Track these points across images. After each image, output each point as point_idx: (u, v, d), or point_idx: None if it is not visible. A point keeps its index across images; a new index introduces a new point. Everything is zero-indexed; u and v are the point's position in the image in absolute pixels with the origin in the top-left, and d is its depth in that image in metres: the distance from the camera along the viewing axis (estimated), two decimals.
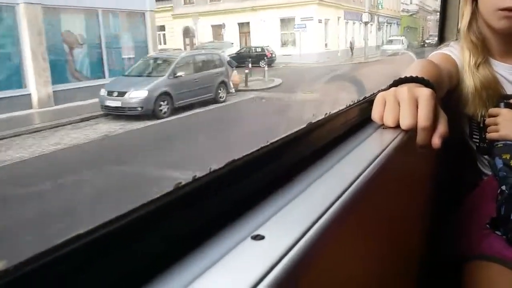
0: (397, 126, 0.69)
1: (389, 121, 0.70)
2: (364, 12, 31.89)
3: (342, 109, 0.73)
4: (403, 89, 0.70)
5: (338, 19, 33.53)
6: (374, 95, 0.78)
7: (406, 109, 0.68)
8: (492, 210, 1.10)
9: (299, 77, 19.69)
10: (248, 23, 31.90)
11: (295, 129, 0.53)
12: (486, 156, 1.27)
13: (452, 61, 1.25)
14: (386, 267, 0.81)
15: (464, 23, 1.25)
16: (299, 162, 0.52)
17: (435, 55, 1.30)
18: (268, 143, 0.46)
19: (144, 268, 0.32)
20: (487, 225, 1.12)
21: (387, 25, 43.85)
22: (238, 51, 27.69)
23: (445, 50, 1.31)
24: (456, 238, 1.23)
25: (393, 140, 0.67)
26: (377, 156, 0.60)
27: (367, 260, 0.66)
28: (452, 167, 1.43)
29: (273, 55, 26.88)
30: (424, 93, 0.69)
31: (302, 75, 21.10)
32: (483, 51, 1.24)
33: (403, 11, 46.69)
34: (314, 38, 29.41)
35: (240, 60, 24.63)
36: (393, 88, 0.73)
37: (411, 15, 48.75)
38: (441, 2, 1.78)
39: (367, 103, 0.80)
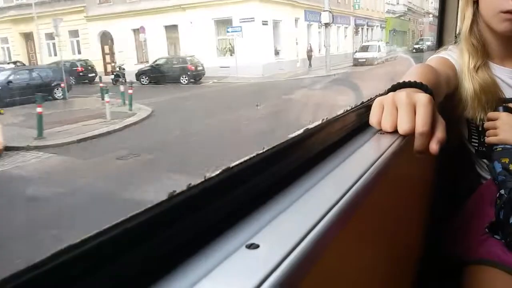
0: (395, 131, 0.69)
1: (387, 126, 0.70)
2: (323, 11, 23.54)
3: (339, 114, 0.73)
4: (401, 94, 0.70)
5: (296, 21, 26.78)
6: (372, 100, 0.78)
7: (404, 114, 0.68)
8: (491, 214, 1.10)
9: (202, 105, 13.55)
10: (176, 26, 24.46)
11: (292, 135, 0.53)
12: (485, 160, 1.27)
13: (451, 65, 1.25)
14: (385, 273, 0.81)
15: (466, 26, 1.25)
16: (295, 169, 0.52)
17: (434, 59, 1.30)
18: (264, 150, 0.46)
19: (138, 277, 0.31)
20: (486, 229, 1.11)
21: (367, 28, 38.70)
22: (154, 63, 21.74)
23: (443, 54, 1.31)
24: (455, 242, 1.22)
25: (391, 145, 0.66)
26: (375, 161, 0.60)
27: (365, 267, 0.66)
28: (451, 171, 1.43)
29: (199, 68, 20.90)
30: (422, 99, 0.68)
31: (212, 100, 15.03)
32: (483, 54, 1.24)
33: (388, 12, 41.73)
34: (258, 44, 22.54)
35: (156, 75, 20.13)
36: (391, 93, 0.73)
37: (398, 16, 43.91)
38: (439, 5, 1.78)
39: (365, 108, 0.80)
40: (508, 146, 1.14)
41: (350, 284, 0.57)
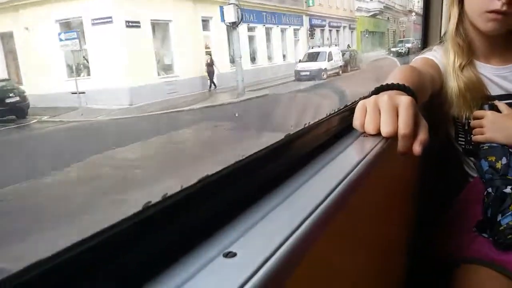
0: (378, 134, 0.69)
1: (370, 128, 0.70)
2: (228, 3, 16.99)
3: (323, 118, 0.73)
4: (384, 97, 0.71)
5: (207, 22, 19.16)
6: (355, 103, 0.78)
7: (387, 117, 0.68)
8: (479, 212, 1.10)
9: None
10: (11, 33, 15.76)
11: (272, 142, 0.53)
12: (472, 158, 1.28)
13: (435, 65, 1.25)
14: (373, 274, 0.81)
15: (452, 26, 1.26)
16: (277, 175, 0.52)
17: (418, 60, 1.30)
18: (243, 157, 0.46)
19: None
20: (474, 228, 1.12)
21: (329, 30, 31.37)
22: None
23: (427, 54, 1.32)
24: (444, 242, 1.23)
25: (374, 147, 0.67)
26: (358, 164, 0.60)
27: (352, 270, 0.66)
28: (438, 169, 1.43)
29: (11, 101, 12.19)
30: (404, 101, 0.69)
31: None
32: (468, 53, 1.25)
33: (359, 10, 35.55)
34: (119, 56, 14.66)
35: None
36: (374, 96, 0.73)
37: (373, 15, 37.76)
38: (423, 6, 1.79)
39: (348, 111, 0.80)
40: (495, 144, 1.15)
41: (335, 287, 0.57)
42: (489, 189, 1.09)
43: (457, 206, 1.28)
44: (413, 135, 0.67)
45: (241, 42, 19.09)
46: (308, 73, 20.06)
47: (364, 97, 0.79)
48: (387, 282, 0.96)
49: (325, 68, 20.70)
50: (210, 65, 18.31)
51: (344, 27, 34.06)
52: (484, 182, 1.13)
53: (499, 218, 1.04)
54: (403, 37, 40.09)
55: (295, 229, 0.40)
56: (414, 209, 1.31)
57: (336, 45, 26.10)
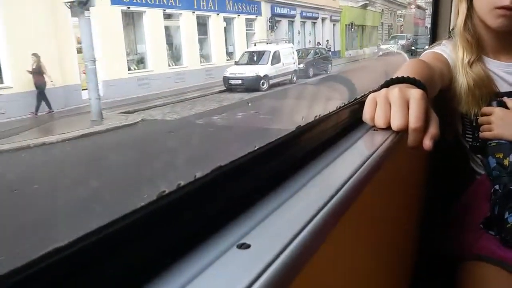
0: (388, 127, 0.68)
1: (380, 122, 0.69)
2: None
3: (333, 111, 0.73)
4: (394, 90, 0.70)
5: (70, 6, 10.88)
6: (365, 96, 0.77)
7: (397, 110, 0.68)
8: (486, 209, 1.10)
9: None
10: None
11: (284, 134, 0.53)
12: (479, 155, 1.27)
13: (444, 60, 1.24)
14: (380, 269, 0.81)
15: (460, 22, 1.25)
16: (288, 167, 0.51)
17: (427, 54, 1.29)
18: (256, 148, 0.46)
19: (130, 277, 0.31)
20: (481, 225, 1.11)
21: (302, 22, 25.25)
22: None
23: (437, 49, 1.30)
24: (450, 238, 1.22)
25: (384, 141, 0.66)
26: (368, 158, 0.59)
27: (360, 264, 0.66)
28: (445, 166, 1.43)
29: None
30: (415, 94, 0.68)
31: None
32: (477, 49, 1.24)
33: None
34: None
35: None
36: (384, 89, 0.73)
37: (363, 6, 31.88)
38: (433, 1, 1.78)
39: (358, 104, 0.79)
40: (503, 141, 1.14)
41: (344, 282, 0.57)
42: (497, 186, 1.09)
43: (464, 203, 1.27)
44: (424, 129, 0.67)
45: (150, 33, 14.54)
46: (239, 81, 14.86)
47: (374, 91, 0.78)
48: (394, 276, 0.96)
49: (266, 75, 15.07)
50: (36, 72, 11.45)
51: (324, 19, 28.06)
52: (491, 179, 1.12)
53: (506, 215, 1.04)
54: (401, 33, 35.61)
55: (308, 222, 0.40)
56: (421, 205, 1.31)
57: (287, 41, 19.54)
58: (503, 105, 1.19)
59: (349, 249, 0.58)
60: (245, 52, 17.38)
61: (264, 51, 16.37)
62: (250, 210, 0.41)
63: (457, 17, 1.27)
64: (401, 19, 39.22)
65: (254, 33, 21.43)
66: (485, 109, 1.20)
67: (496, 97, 1.22)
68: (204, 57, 18.98)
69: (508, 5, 1.08)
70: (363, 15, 32.91)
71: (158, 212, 0.34)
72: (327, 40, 28.04)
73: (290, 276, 0.35)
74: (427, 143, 0.67)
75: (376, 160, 0.60)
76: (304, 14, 25.77)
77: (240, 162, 0.43)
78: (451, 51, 1.28)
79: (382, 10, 35.78)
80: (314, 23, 27.70)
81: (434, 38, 1.76)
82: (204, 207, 0.38)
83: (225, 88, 15.17)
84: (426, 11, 41.02)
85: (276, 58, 15.97)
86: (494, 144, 1.15)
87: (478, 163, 1.28)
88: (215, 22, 19.13)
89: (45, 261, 0.27)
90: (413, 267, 1.19)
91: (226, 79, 15.28)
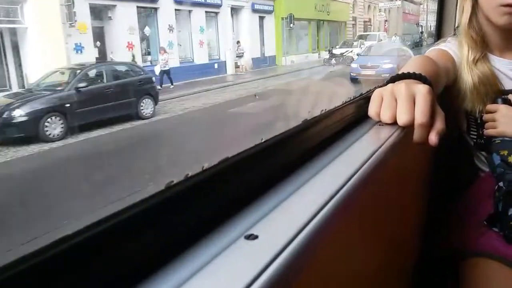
0: (394, 123, 0.68)
1: (386, 117, 0.69)
2: None
3: (338, 106, 0.73)
4: (400, 85, 0.70)
5: None
6: (371, 92, 0.77)
7: (403, 105, 0.68)
8: (489, 206, 1.10)
9: None
10: None
11: (291, 127, 0.53)
12: (483, 152, 1.27)
13: (450, 57, 1.24)
14: (383, 264, 0.81)
15: (465, 19, 1.24)
16: (294, 160, 0.51)
17: (433, 51, 1.29)
18: (263, 141, 0.46)
19: (136, 268, 0.31)
20: (485, 222, 1.11)
21: (177, 11, 16.05)
22: None
23: (442, 46, 1.30)
24: (453, 235, 1.22)
25: (390, 136, 0.66)
26: (374, 153, 0.59)
27: (364, 258, 0.66)
28: (449, 163, 1.43)
29: None
30: (421, 90, 0.68)
31: None
32: (482, 47, 1.23)
33: None
34: None
35: None
36: (390, 85, 0.73)
37: None
38: None
39: (364, 99, 0.79)
40: (507, 139, 1.13)
41: (350, 274, 0.57)
42: (501, 183, 1.08)
43: (468, 200, 1.27)
44: (430, 124, 0.67)
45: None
46: None
47: (380, 86, 0.78)
48: (396, 273, 0.96)
49: None
50: None
51: (237, 8, 18.73)
52: (495, 176, 1.12)
53: (510, 212, 1.04)
54: (384, 31, 27.85)
55: (314, 214, 0.40)
56: (425, 201, 1.31)
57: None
58: (508, 102, 1.19)
59: (353, 242, 0.58)
60: None
61: None
62: (257, 202, 0.41)
63: (462, 15, 1.27)
64: (382, 13, 31.10)
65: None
66: (490, 106, 1.20)
67: (501, 94, 1.21)
68: None
69: None
70: (320, 5, 23.67)
71: (167, 202, 0.34)
72: (238, 42, 18.80)
73: (297, 267, 0.35)
74: (433, 138, 0.67)
75: (382, 155, 0.60)
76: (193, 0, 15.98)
77: (247, 154, 0.43)
78: (456, 48, 1.27)
79: (354, 0, 27.67)
80: (217, 13, 17.89)
81: (439, 35, 1.76)
82: (212, 198, 0.38)
83: None
84: (421, 6, 36.72)
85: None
86: (499, 141, 1.15)
87: (482, 160, 1.28)
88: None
89: (48, 252, 0.27)
90: (416, 263, 1.20)
91: None
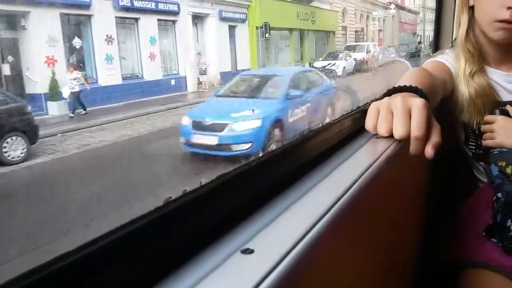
0: (391, 136, 0.69)
1: (382, 130, 0.70)
2: None
3: (336, 119, 0.74)
4: (397, 99, 0.71)
5: None
6: (367, 105, 0.78)
7: (399, 119, 0.68)
8: (488, 217, 1.10)
9: None
10: None
11: (287, 141, 0.54)
12: (481, 163, 1.27)
13: (447, 69, 1.25)
14: (381, 276, 0.81)
15: (462, 33, 1.25)
16: (291, 174, 0.52)
17: (430, 63, 1.30)
18: (260, 155, 0.47)
19: (133, 282, 0.32)
20: (483, 233, 1.12)
21: (119, 21, 13.37)
22: None
23: (439, 58, 1.31)
24: (452, 246, 1.22)
25: (386, 149, 0.67)
26: (370, 166, 0.60)
27: (361, 271, 0.66)
28: (447, 174, 1.43)
29: None
30: (417, 103, 0.69)
31: None
32: (479, 59, 1.24)
33: None
34: None
35: None
36: (386, 98, 0.73)
37: None
38: (436, 10, 1.79)
39: (361, 113, 0.80)
40: (505, 150, 1.14)
41: (347, 284, 0.57)
42: (499, 194, 1.09)
43: (466, 211, 1.27)
44: (426, 137, 0.67)
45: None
46: None
47: (376, 99, 0.79)
48: (395, 285, 0.96)
49: None
50: None
51: (201, 16, 16.51)
52: (494, 187, 1.12)
53: (508, 223, 1.04)
54: (372, 41, 25.05)
55: (310, 228, 0.40)
56: (423, 213, 1.31)
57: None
58: (506, 113, 1.19)
59: (350, 255, 0.58)
60: None
61: None
62: (253, 216, 0.41)
63: (459, 28, 1.28)
64: (376, 23, 29.11)
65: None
66: (488, 117, 1.20)
67: (498, 106, 1.22)
68: None
69: (508, 19, 1.09)
70: (303, 13, 21.14)
71: (165, 218, 0.35)
72: (199, 53, 16.21)
73: (293, 281, 0.35)
74: (429, 151, 0.67)
75: (378, 168, 0.61)
76: (126, 4, 13.53)
77: (244, 169, 0.43)
78: (453, 60, 1.28)
79: (344, 8, 25.23)
80: (172, 22, 15.47)
81: (437, 47, 1.77)
82: (209, 213, 0.39)
83: None
84: (418, 15, 36.15)
85: None
86: (497, 152, 1.15)
87: (480, 171, 1.29)
88: None
89: (56, 265, 0.28)
90: (415, 274, 1.19)
91: None
